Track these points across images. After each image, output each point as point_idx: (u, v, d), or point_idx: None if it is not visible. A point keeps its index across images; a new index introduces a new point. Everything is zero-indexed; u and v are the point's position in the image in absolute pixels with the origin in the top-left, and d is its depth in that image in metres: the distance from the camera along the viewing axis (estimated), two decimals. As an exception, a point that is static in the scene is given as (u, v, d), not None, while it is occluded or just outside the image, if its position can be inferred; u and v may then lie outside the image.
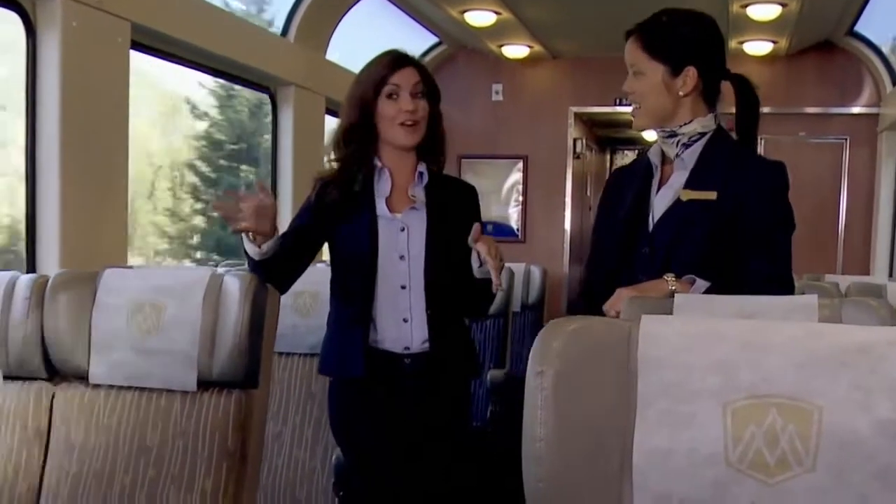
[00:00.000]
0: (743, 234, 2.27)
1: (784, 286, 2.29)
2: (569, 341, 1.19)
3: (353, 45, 6.49)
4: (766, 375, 1.14)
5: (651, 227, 2.37)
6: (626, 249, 2.41)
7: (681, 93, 2.35)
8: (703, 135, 2.37)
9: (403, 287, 2.70)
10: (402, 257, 2.70)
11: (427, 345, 2.71)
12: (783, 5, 6.10)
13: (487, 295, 2.69)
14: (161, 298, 2.40)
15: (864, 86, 7.64)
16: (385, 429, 2.70)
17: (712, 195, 2.28)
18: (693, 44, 2.37)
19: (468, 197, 2.85)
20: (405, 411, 2.72)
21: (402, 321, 2.69)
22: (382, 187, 2.74)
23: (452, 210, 2.76)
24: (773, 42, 7.15)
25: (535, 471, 1.19)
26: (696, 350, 1.16)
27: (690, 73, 2.34)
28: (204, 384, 2.37)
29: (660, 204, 2.39)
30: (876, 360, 1.12)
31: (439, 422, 2.75)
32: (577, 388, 1.18)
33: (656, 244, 2.35)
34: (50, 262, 3.46)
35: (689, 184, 2.33)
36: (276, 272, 2.56)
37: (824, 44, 7.45)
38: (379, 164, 2.76)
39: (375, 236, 2.68)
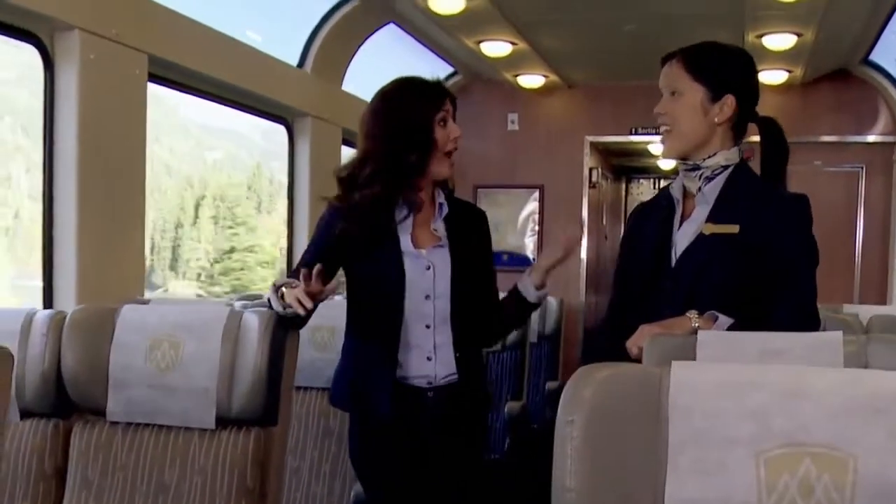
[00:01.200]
0: (768, 269, 2.24)
1: (810, 320, 2.28)
2: (598, 389, 1.17)
3: (370, 76, 6.52)
4: (800, 424, 1.11)
5: (674, 262, 2.34)
6: (649, 286, 2.37)
7: (716, 119, 2.32)
8: (725, 168, 2.34)
9: (428, 326, 2.66)
10: (427, 297, 2.65)
11: (449, 378, 2.68)
12: (798, 35, 6.09)
13: (522, 318, 2.77)
14: (179, 335, 2.39)
15: (880, 114, 7.60)
16: (408, 462, 2.67)
17: (735, 229, 2.25)
18: (735, 73, 2.36)
19: (481, 224, 2.83)
20: (426, 444, 2.69)
21: (426, 359, 2.66)
22: (405, 222, 2.68)
23: (470, 241, 2.74)
24: (789, 71, 7.14)
25: (566, 521, 1.17)
26: (729, 397, 1.13)
27: (728, 102, 2.31)
28: (223, 421, 2.36)
29: (682, 239, 2.35)
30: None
31: (458, 455, 2.72)
32: (607, 436, 1.15)
33: (680, 279, 2.31)
34: (67, 295, 3.45)
35: (712, 217, 2.30)
36: (296, 319, 2.54)
37: (839, 72, 7.43)
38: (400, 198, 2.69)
39: (403, 275, 2.63)
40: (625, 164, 10.27)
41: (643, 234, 2.46)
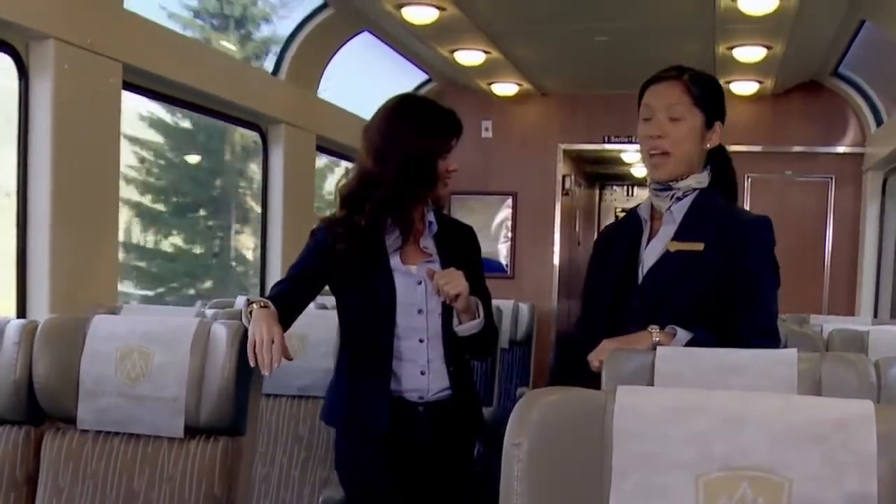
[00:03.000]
0: (731, 287, 2.29)
1: (770, 339, 2.33)
2: (546, 412, 1.22)
3: (344, 83, 6.55)
4: (739, 448, 1.17)
5: (640, 279, 2.39)
6: (617, 303, 2.41)
7: (707, 145, 2.39)
8: (695, 190, 2.39)
9: (421, 340, 2.68)
10: (420, 311, 2.68)
11: (441, 394, 2.70)
12: (768, 48, 6.17)
13: (476, 347, 2.75)
14: (149, 346, 2.41)
15: (849, 125, 7.71)
16: (396, 476, 2.69)
17: (699, 246, 2.31)
18: (722, 101, 2.43)
19: (470, 240, 2.85)
20: (416, 459, 2.71)
21: (419, 373, 2.68)
22: (393, 240, 2.70)
23: (460, 256, 2.74)
24: (759, 82, 7.22)
25: (511, 541, 1.21)
26: (672, 422, 1.18)
27: (717, 129, 2.40)
28: (191, 431, 2.39)
29: (649, 257, 2.40)
30: (849, 434, 1.15)
31: (447, 468, 2.77)
32: (553, 459, 1.20)
33: (645, 296, 2.36)
34: (40, 303, 3.47)
35: (678, 236, 2.36)
36: None
37: (809, 84, 7.53)
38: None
39: (394, 292, 2.66)
40: (598, 172, 10.35)
41: (611, 254, 2.49)
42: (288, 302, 2.57)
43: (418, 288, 2.68)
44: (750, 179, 7.84)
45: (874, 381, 2.12)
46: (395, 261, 2.68)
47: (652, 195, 2.44)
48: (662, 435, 1.18)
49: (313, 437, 3.23)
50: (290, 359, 2.41)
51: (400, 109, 2.72)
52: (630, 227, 2.49)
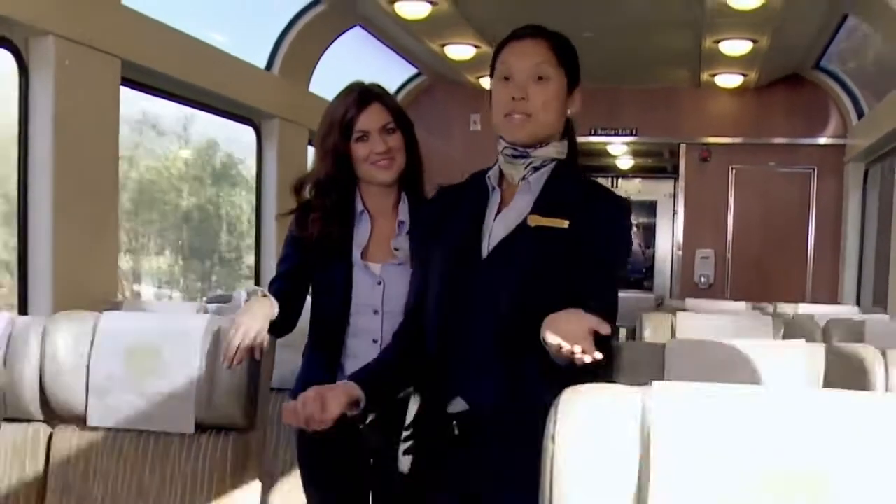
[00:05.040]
0: (583, 266, 2.02)
1: (608, 318, 1.92)
2: (584, 408, 1.20)
3: (336, 77, 6.52)
4: (778, 442, 1.15)
5: (486, 250, 2.07)
6: (455, 277, 2.10)
7: (570, 110, 2.13)
8: (553, 160, 2.11)
9: (375, 341, 2.54)
10: (375, 312, 2.55)
11: None
12: (754, 41, 6.18)
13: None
14: (159, 342, 2.38)
15: (831, 117, 7.76)
16: (346, 479, 2.61)
17: (564, 223, 2.03)
18: (578, 67, 2.16)
19: None
20: (363, 461, 2.61)
21: None
22: (360, 235, 2.59)
23: None
24: (744, 75, 7.24)
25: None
26: (710, 417, 1.17)
27: (578, 95, 2.14)
28: (202, 426, 2.36)
29: (499, 227, 2.09)
30: (885, 427, 1.14)
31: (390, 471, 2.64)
32: (590, 454, 1.18)
33: (493, 267, 2.06)
34: (42, 300, 3.43)
35: (537, 209, 2.06)
36: (282, 329, 2.53)
37: (792, 76, 7.56)
38: (360, 206, 2.61)
39: (350, 287, 2.56)
40: (584, 164, 10.32)
41: (448, 221, 2.18)
42: (287, 297, 2.51)
43: (376, 287, 2.55)
44: (734, 170, 7.87)
45: (881, 371, 2.13)
46: (355, 255, 2.57)
47: (504, 160, 2.12)
48: (702, 430, 1.16)
49: (318, 431, 3.20)
50: (256, 359, 2.32)
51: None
52: (473, 193, 2.17)
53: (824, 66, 7.37)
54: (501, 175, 2.13)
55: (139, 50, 3.98)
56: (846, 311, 5.16)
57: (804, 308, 4.91)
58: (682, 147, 7.97)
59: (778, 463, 1.14)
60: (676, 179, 8.19)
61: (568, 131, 2.16)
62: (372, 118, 2.54)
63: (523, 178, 2.08)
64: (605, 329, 1.68)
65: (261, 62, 5.65)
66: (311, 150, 6.01)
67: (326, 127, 2.60)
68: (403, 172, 2.60)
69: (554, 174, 2.10)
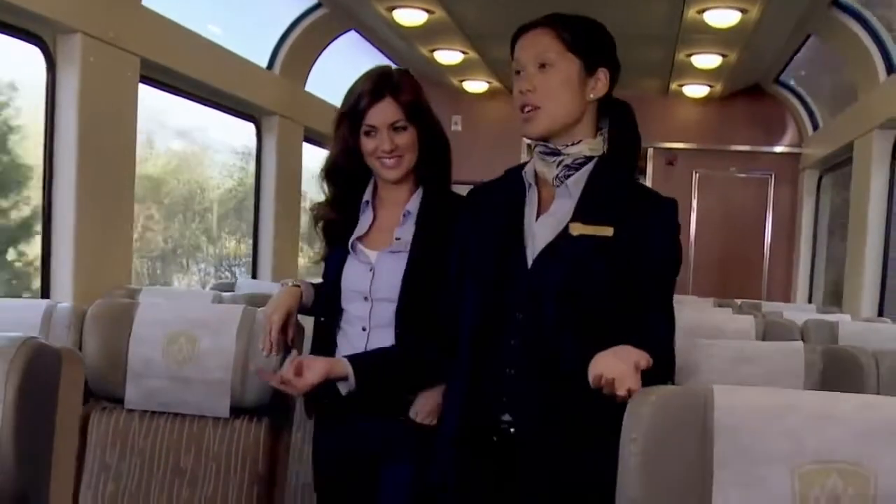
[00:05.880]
0: (639, 277, 1.84)
1: (672, 323, 1.93)
2: (655, 409, 1.24)
3: (327, 76, 6.49)
4: (828, 442, 1.19)
5: (531, 261, 1.88)
6: (498, 285, 1.91)
7: (591, 95, 1.91)
8: (588, 159, 1.91)
9: (364, 329, 2.34)
10: (365, 298, 2.35)
11: None
12: (724, 56, 6.26)
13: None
14: (196, 331, 2.38)
15: (788, 127, 7.89)
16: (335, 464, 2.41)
17: (608, 231, 1.84)
18: (606, 45, 1.96)
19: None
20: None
21: None
22: (360, 226, 2.42)
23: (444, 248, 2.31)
24: (710, 86, 7.33)
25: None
26: (767, 418, 1.21)
27: (602, 76, 1.92)
28: (236, 411, 2.36)
29: (542, 234, 1.90)
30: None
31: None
32: (663, 451, 1.22)
33: (536, 278, 1.87)
34: (64, 287, 3.41)
35: (579, 216, 1.87)
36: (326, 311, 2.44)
37: (753, 88, 7.65)
38: (367, 196, 2.44)
39: (340, 273, 2.39)
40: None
41: (487, 221, 1.99)
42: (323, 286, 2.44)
43: (367, 274, 2.36)
44: (697, 175, 7.96)
45: (874, 372, 2.18)
46: (352, 241, 2.39)
47: (537, 158, 1.94)
48: (759, 430, 1.20)
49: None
50: (288, 349, 2.25)
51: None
52: (510, 191, 1.98)
53: (783, 81, 7.48)
54: (536, 172, 1.96)
55: (157, 49, 3.95)
56: (808, 308, 5.27)
57: (769, 307, 4.99)
58: (650, 151, 8.04)
59: (829, 460, 1.19)
60: (643, 182, 8.28)
61: (619, 119, 1.96)
62: (381, 114, 2.32)
63: (556, 177, 1.91)
64: (647, 363, 1.55)
65: (252, 53, 5.58)
66: (306, 147, 6.01)
67: (340, 115, 2.42)
68: (418, 166, 2.38)
69: (595, 175, 1.90)
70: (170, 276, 6.87)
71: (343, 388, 2.16)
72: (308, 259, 6.27)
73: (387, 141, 2.31)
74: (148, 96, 4.04)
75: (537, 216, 1.92)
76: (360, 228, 2.41)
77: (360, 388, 2.15)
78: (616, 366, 1.53)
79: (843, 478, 1.18)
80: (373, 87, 2.33)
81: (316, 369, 2.08)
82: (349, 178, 2.43)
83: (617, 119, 1.96)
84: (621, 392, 1.49)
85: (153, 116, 5.68)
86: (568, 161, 1.90)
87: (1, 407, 1.42)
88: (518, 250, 1.89)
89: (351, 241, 2.39)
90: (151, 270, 6.59)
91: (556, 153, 1.91)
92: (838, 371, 2.18)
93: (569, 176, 1.90)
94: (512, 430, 1.87)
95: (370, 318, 2.36)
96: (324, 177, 2.47)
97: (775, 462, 1.20)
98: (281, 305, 2.31)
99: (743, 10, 5.10)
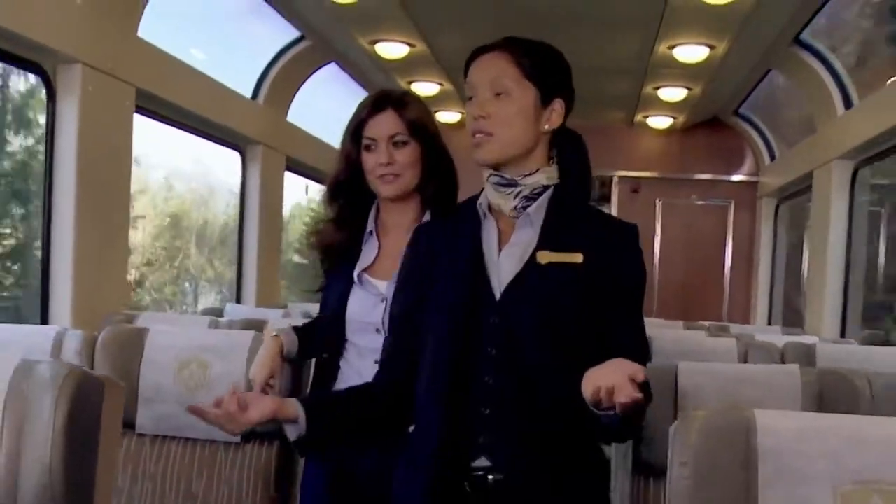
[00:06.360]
0: (611, 300, 1.77)
1: (646, 346, 1.91)
2: (701, 434, 1.24)
3: (306, 108, 6.48)
4: (868, 464, 1.20)
5: (498, 293, 1.75)
6: (467, 319, 1.75)
7: (546, 126, 1.79)
8: (546, 188, 1.80)
9: (376, 361, 2.08)
10: (377, 330, 2.20)
11: None
12: (689, 89, 6.34)
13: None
14: (206, 357, 2.34)
15: (746, 157, 8.02)
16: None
17: (578, 258, 1.75)
18: (563, 75, 1.84)
19: None
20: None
21: None
22: (365, 257, 2.27)
23: None
24: (674, 118, 7.42)
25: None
26: (809, 440, 1.22)
27: (558, 106, 1.80)
28: (247, 435, 2.33)
29: (507, 265, 1.78)
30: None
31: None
32: (711, 474, 1.22)
33: (512, 314, 1.74)
34: (62, 311, 3.36)
35: (545, 244, 1.77)
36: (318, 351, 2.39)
37: (713, 120, 7.77)
38: (371, 226, 2.29)
39: (345, 304, 2.25)
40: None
41: (445, 256, 1.84)
42: (313, 325, 2.39)
43: (379, 305, 2.20)
44: (661, 202, 8.05)
45: (868, 393, 2.21)
46: (358, 271, 2.24)
47: (491, 189, 1.80)
48: (801, 452, 1.21)
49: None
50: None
51: None
52: (464, 223, 1.84)
53: (742, 113, 7.60)
54: (490, 204, 1.82)
55: (151, 79, 3.92)
56: (773, 330, 5.33)
57: (738, 329, 5.04)
58: (615, 179, 8.13)
59: (870, 480, 1.20)
60: (609, 208, 8.35)
61: (571, 150, 1.86)
62: (381, 126, 2.20)
63: (514, 207, 1.78)
64: (642, 377, 1.44)
65: (233, 78, 5.53)
66: (288, 175, 6.00)
67: (344, 131, 2.30)
68: (423, 187, 2.25)
69: (555, 203, 1.80)
70: (203, 296, 7.84)
71: (291, 433, 1.79)
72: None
73: (384, 154, 2.19)
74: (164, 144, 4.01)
75: (499, 248, 1.79)
76: (366, 260, 2.26)
77: (311, 435, 1.79)
78: (611, 375, 1.44)
79: (884, 498, 1.19)
80: (375, 99, 2.24)
81: (261, 407, 1.74)
82: (352, 196, 2.29)
83: (569, 150, 1.86)
84: (621, 399, 1.39)
85: (166, 161, 6.56)
86: (526, 192, 1.78)
87: (50, 435, 1.39)
88: (482, 282, 1.76)
89: (356, 272, 2.24)
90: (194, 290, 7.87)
91: (513, 184, 1.78)
92: (835, 393, 2.20)
93: (527, 206, 1.78)
94: (490, 476, 1.70)
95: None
96: (327, 197, 2.33)
97: (818, 482, 1.20)
98: (264, 366, 2.24)
99: (711, 46, 5.18)
